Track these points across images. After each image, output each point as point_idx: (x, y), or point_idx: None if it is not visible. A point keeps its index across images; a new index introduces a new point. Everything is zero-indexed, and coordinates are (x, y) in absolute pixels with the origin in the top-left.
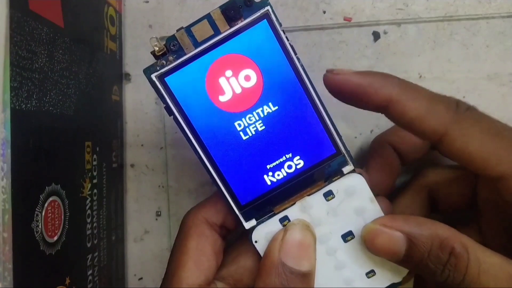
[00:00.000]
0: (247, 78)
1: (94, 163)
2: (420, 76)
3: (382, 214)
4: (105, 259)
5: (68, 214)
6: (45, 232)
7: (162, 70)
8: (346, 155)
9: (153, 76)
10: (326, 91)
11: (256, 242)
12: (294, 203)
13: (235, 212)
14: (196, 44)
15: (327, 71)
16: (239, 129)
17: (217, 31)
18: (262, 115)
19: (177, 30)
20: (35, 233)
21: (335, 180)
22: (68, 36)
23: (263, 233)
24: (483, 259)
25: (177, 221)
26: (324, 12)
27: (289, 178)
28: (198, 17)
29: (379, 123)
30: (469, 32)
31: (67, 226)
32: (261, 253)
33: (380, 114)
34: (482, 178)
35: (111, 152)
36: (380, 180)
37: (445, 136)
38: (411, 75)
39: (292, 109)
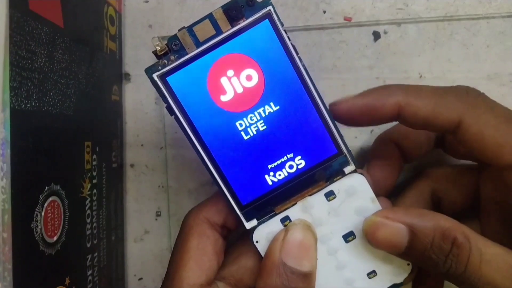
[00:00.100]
0: (249, 77)
1: (94, 163)
2: (420, 76)
3: None
4: (105, 259)
5: (67, 214)
6: (44, 232)
7: (164, 70)
8: (347, 155)
9: (154, 76)
10: (327, 91)
11: (257, 242)
12: (295, 203)
13: (236, 212)
14: (198, 43)
15: (330, 105)
16: (240, 129)
17: (219, 31)
18: (263, 115)
19: (179, 30)
20: (35, 233)
21: (337, 180)
22: (68, 36)
23: (264, 233)
24: (484, 250)
25: (177, 221)
26: (324, 12)
27: (290, 178)
28: (198, 17)
29: None
30: (469, 32)
31: (66, 226)
32: (262, 253)
33: None
34: (488, 171)
35: (111, 152)
36: (381, 177)
37: (460, 124)
38: (411, 75)
39: (294, 109)
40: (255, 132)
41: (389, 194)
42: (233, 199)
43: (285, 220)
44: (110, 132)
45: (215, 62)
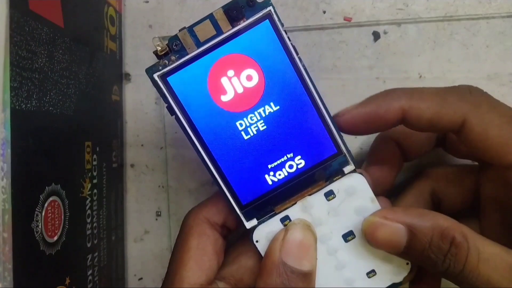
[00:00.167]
0: (249, 78)
1: (94, 163)
2: (420, 76)
3: None
4: (105, 259)
5: (68, 214)
6: (45, 232)
7: (164, 70)
8: (347, 155)
9: (155, 76)
10: (327, 91)
11: (257, 241)
12: (295, 203)
13: (236, 212)
14: (199, 44)
15: (333, 117)
16: (240, 128)
17: (219, 31)
18: (263, 115)
19: (180, 30)
20: (35, 233)
21: (336, 180)
22: (68, 36)
23: (264, 232)
24: (482, 249)
25: (177, 221)
26: (324, 12)
27: (290, 177)
28: (198, 17)
29: None
30: (469, 32)
31: (67, 226)
32: (262, 253)
33: None
34: (490, 170)
35: (111, 152)
36: (380, 175)
37: (464, 124)
38: (411, 75)
39: (294, 109)
40: (255, 132)
41: (388, 192)
42: (233, 199)
43: (285, 219)
44: (110, 132)
45: (216, 62)
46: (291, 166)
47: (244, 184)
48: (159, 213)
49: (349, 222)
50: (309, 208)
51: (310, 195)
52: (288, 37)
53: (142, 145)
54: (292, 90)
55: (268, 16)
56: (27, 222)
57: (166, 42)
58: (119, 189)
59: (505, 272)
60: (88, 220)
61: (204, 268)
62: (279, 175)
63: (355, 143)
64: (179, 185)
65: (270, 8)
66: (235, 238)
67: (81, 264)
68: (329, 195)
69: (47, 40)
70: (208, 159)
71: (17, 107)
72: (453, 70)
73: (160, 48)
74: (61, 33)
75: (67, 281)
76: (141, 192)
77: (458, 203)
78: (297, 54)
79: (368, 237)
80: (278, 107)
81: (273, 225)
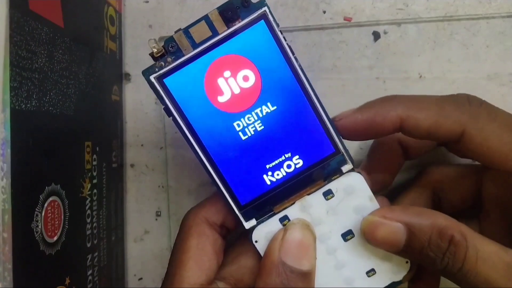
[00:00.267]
0: (246, 78)
1: (94, 163)
2: (420, 76)
3: None
4: (105, 259)
5: (68, 214)
6: (45, 232)
7: (161, 72)
8: (345, 154)
9: (151, 78)
10: (327, 91)
11: (256, 242)
12: (294, 203)
13: (235, 212)
14: (195, 45)
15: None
16: (238, 129)
17: (215, 32)
18: (261, 115)
19: (175, 32)
20: (35, 233)
21: (334, 179)
22: (68, 36)
23: (263, 232)
24: (481, 247)
25: (177, 221)
26: (324, 12)
27: (288, 177)
28: (198, 18)
29: None
30: (469, 32)
31: (67, 226)
32: (262, 253)
33: None
34: (493, 175)
35: (111, 152)
36: (380, 173)
37: (463, 134)
38: (411, 75)
39: (291, 108)
40: (252, 132)
41: (389, 190)
42: (232, 199)
43: (284, 219)
44: (110, 132)
45: (212, 63)
46: (289, 166)
47: (242, 184)
48: (159, 213)
49: (348, 221)
50: (308, 207)
51: (308, 194)
52: (284, 37)
53: (142, 145)
54: (288, 90)
55: (263, 16)
56: (27, 222)
57: (162, 43)
58: (119, 189)
59: (503, 271)
60: (88, 220)
61: (203, 268)
62: (278, 175)
63: (354, 143)
64: (179, 185)
65: (265, 8)
66: (234, 238)
67: (81, 264)
68: (328, 194)
69: (47, 40)
70: (206, 160)
71: (17, 107)
72: (453, 70)
73: (156, 50)
74: (61, 33)
75: (67, 281)
76: (141, 192)
77: (459, 202)
78: (293, 54)
79: (367, 236)
80: (275, 107)
81: (272, 225)
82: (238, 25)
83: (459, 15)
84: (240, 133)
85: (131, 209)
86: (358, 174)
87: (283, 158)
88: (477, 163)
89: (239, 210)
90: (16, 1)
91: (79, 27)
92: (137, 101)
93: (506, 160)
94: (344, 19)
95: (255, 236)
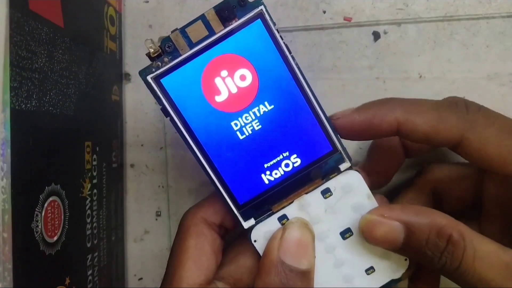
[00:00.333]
0: (243, 77)
1: (94, 163)
2: (420, 76)
3: None
4: (105, 259)
5: (68, 214)
6: (45, 232)
7: (158, 72)
8: (342, 152)
9: (148, 78)
10: (327, 91)
11: (255, 241)
12: (292, 202)
13: (233, 212)
14: (191, 45)
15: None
16: (235, 128)
17: (211, 32)
18: (258, 114)
19: (172, 31)
20: (35, 233)
21: (332, 177)
22: (68, 36)
23: (262, 232)
24: (478, 247)
25: (177, 221)
26: (324, 12)
27: (286, 176)
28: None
29: None
30: (469, 32)
31: (67, 226)
32: (260, 252)
33: None
34: (494, 175)
35: (111, 152)
36: (380, 170)
37: (462, 140)
38: (411, 75)
39: (288, 107)
40: (250, 132)
41: (388, 188)
42: (230, 199)
43: (283, 218)
44: (110, 132)
45: (209, 63)
46: (287, 165)
47: (240, 184)
48: (159, 213)
49: (347, 219)
50: (306, 206)
51: (307, 193)
52: (281, 36)
53: (142, 145)
54: (286, 89)
55: (260, 15)
56: (27, 222)
57: (159, 43)
58: (119, 189)
59: (500, 270)
60: (88, 220)
61: (202, 268)
62: (276, 174)
63: (353, 142)
64: (179, 185)
65: (262, 7)
66: (233, 238)
67: (81, 264)
68: (326, 193)
69: (47, 40)
70: (204, 160)
71: (17, 107)
72: (453, 70)
73: (152, 50)
74: (61, 33)
75: (67, 281)
76: (141, 192)
77: (459, 201)
78: (290, 52)
79: (365, 235)
80: (272, 106)
81: (270, 224)
82: (234, 24)
83: (459, 15)
84: (238, 133)
85: (131, 209)
86: (356, 172)
87: (281, 157)
88: None
89: (238, 209)
90: (16, 1)
91: (79, 27)
92: (137, 101)
93: (505, 164)
94: (344, 19)
95: (253, 235)
